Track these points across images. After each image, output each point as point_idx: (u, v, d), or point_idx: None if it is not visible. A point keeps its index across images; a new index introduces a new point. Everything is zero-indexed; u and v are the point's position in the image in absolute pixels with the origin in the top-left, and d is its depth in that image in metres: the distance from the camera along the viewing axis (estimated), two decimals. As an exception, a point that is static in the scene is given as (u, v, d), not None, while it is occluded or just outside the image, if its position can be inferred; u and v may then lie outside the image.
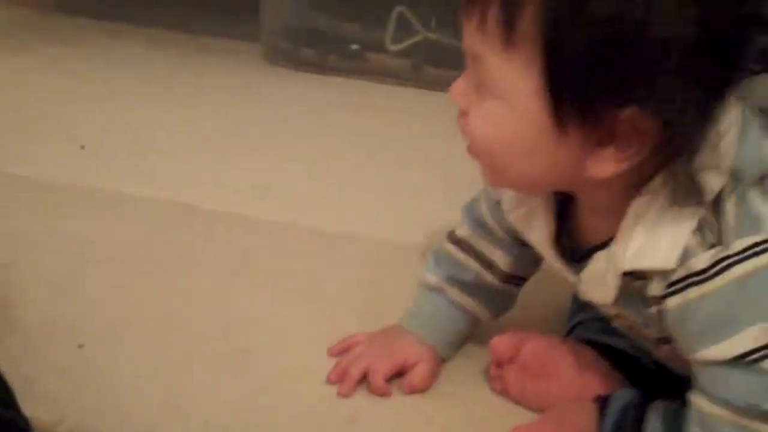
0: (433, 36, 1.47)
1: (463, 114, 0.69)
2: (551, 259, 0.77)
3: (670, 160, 0.64)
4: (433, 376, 0.86)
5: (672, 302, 0.67)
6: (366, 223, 1.12)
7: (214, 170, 1.23)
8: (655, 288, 0.68)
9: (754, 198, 0.66)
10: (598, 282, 0.71)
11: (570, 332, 0.87)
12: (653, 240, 0.67)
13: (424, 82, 1.48)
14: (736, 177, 0.66)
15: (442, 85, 1.46)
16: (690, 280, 0.66)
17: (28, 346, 0.88)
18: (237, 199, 1.16)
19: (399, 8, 1.48)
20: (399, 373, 0.86)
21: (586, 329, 0.85)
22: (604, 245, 0.71)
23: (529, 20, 0.62)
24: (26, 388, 0.77)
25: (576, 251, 0.74)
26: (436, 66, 1.48)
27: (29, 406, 0.76)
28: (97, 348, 0.88)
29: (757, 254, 0.65)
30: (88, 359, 0.86)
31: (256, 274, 1.01)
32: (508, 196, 0.79)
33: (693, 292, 0.66)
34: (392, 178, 1.22)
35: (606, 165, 0.65)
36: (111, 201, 1.15)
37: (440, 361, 0.87)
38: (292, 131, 1.35)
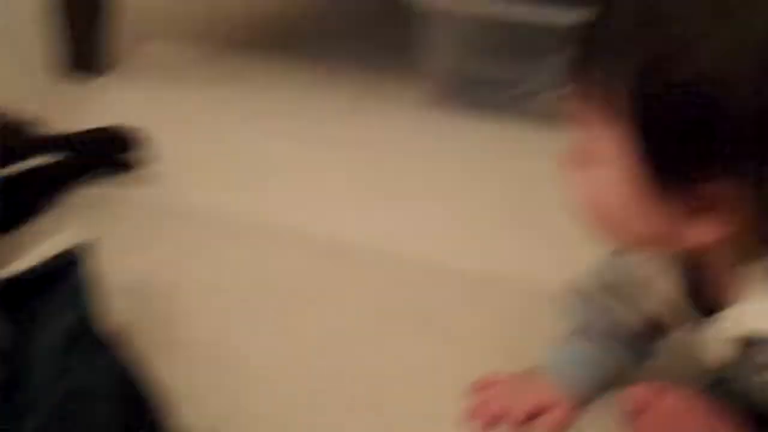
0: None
1: (570, 179, 0.75)
2: (675, 318, 0.78)
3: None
4: (569, 420, 0.88)
5: None
6: (509, 264, 1.15)
7: (369, 210, 1.28)
8: None
9: None
10: (715, 343, 0.73)
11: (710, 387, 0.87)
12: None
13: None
14: None
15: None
16: None
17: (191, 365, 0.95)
18: (392, 239, 1.21)
19: (560, 55, 1.50)
20: (535, 416, 0.88)
21: (725, 388, 0.85)
22: (725, 306, 0.72)
23: (623, 99, 0.67)
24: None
25: (698, 311, 0.76)
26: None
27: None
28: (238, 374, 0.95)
29: None
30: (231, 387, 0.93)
31: (398, 314, 1.06)
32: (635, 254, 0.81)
33: None
34: (541, 219, 1.25)
35: (705, 231, 0.68)
36: (268, 234, 1.21)
37: (578, 407, 0.89)
38: (450, 174, 1.39)
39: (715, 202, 0.66)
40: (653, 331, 0.88)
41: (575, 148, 0.74)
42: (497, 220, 1.26)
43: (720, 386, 0.85)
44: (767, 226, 0.67)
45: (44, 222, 1.21)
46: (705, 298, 0.76)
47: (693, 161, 0.66)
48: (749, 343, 0.70)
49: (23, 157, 1.25)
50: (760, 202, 0.65)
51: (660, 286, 0.80)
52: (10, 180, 1.20)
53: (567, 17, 1.39)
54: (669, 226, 0.69)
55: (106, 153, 1.33)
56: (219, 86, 1.64)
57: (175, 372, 0.91)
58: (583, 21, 0.72)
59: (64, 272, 0.91)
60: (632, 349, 0.90)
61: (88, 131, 1.34)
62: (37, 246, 1.00)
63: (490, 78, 1.58)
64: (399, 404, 0.92)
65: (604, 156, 0.70)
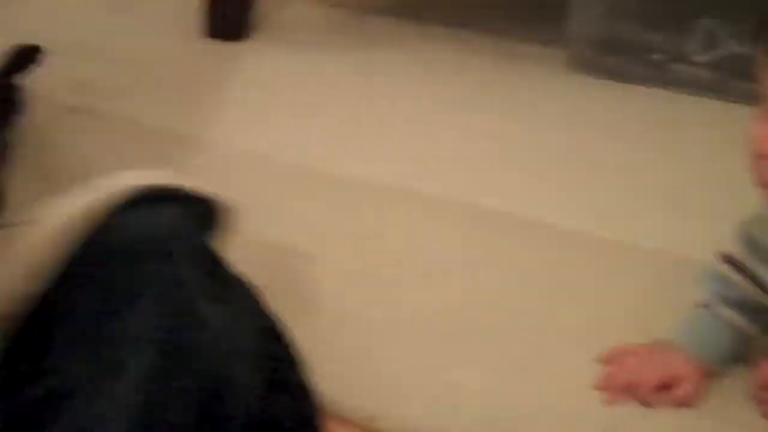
0: (740, 49, 1.43)
1: (764, 157, 0.73)
2: None
3: None
4: (700, 393, 0.87)
5: None
6: (646, 234, 1.13)
7: (509, 175, 1.28)
8: None
9: None
10: None
11: None
12: None
13: (729, 95, 1.45)
14: None
15: (747, 99, 1.43)
16: None
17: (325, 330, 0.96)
18: (524, 204, 1.20)
19: (706, 19, 1.46)
20: (666, 387, 0.87)
21: None
22: None
23: None
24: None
25: None
26: (743, 79, 1.45)
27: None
28: (379, 339, 0.96)
29: None
30: (370, 346, 0.94)
31: (535, 279, 1.06)
32: None
33: None
34: (681, 190, 1.23)
35: None
36: (401, 199, 1.22)
37: (708, 379, 0.88)
38: (587, 141, 1.37)
39: None
40: None
41: None
42: (640, 191, 1.24)
43: None
44: None
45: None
46: None
47: None
48: None
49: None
50: None
51: None
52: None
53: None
54: None
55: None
56: (360, 50, 1.66)
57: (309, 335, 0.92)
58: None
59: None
60: (765, 319, 0.87)
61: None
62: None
63: (638, 43, 1.54)
64: (534, 367, 0.92)
65: None
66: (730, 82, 1.47)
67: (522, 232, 1.15)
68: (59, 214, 0.70)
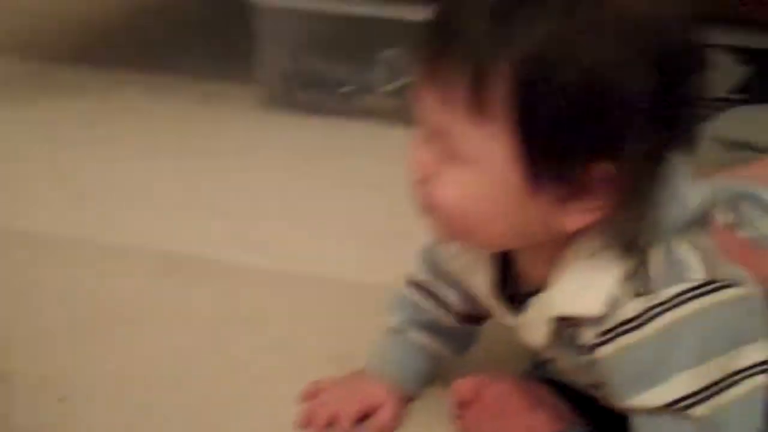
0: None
1: (424, 181, 0.71)
2: (493, 305, 0.80)
3: (620, 211, 0.67)
4: (399, 416, 0.89)
5: (603, 351, 0.70)
6: (335, 265, 1.16)
7: (205, 221, 1.27)
8: (587, 336, 0.71)
9: (680, 246, 0.69)
10: (533, 326, 0.75)
11: (534, 369, 0.90)
12: (581, 287, 0.70)
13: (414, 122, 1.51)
14: (662, 226, 0.69)
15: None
16: (620, 329, 0.69)
17: (10, 400, 0.92)
18: (224, 248, 1.20)
19: (389, 51, 1.51)
20: (366, 416, 0.89)
21: (547, 369, 0.87)
22: (540, 290, 0.74)
23: (498, 91, 0.64)
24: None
25: (516, 297, 0.77)
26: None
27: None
28: (79, 401, 0.92)
29: (683, 302, 0.68)
30: (70, 412, 0.90)
31: (236, 323, 1.05)
32: (452, 245, 0.82)
33: (623, 341, 0.69)
34: (367, 218, 1.26)
35: (577, 218, 0.67)
36: (106, 253, 1.19)
37: (405, 402, 0.90)
38: (283, 175, 1.39)
39: (587, 187, 0.66)
40: (475, 321, 0.90)
41: (427, 152, 0.69)
42: (326, 221, 1.26)
43: (544, 368, 0.87)
44: (633, 210, 0.67)
45: None
46: (520, 284, 0.77)
47: (573, 146, 0.64)
48: (566, 325, 0.72)
49: None
50: (635, 184, 0.66)
51: (476, 277, 0.81)
52: None
53: (402, 11, 1.42)
54: (538, 218, 0.68)
55: None
56: (44, 101, 1.61)
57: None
58: (427, 15, 0.68)
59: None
60: (456, 339, 0.91)
61: None
62: None
63: (325, 76, 1.58)
64: (235, 411, 0.91)
65: (469, 156, 0.67)
66: (412, 109, 1.52)
67: (225, 278, 1.14)
68: None
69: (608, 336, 0.69)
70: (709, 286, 0.68)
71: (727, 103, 1.38)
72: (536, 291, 0.74)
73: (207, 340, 1.02)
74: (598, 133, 0.64)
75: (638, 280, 0.68)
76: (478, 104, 0.65)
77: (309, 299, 1.09)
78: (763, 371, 0.68)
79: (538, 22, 0.63)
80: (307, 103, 1.58)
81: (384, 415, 0.88)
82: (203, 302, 1.09)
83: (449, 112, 0.66)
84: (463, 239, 0.75)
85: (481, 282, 0.80)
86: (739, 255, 0.73)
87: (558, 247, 0.71)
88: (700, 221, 0.71)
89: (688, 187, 0.71)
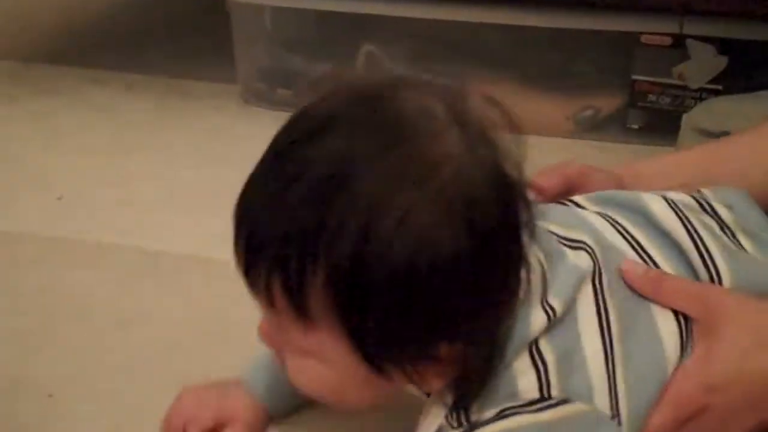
0: (397, 69, 1.50)
1: (278, 352, 0.70)
2: None
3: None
4: None
5: None
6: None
7: (187, 217, 1.26)
8: None
9: (518, 366, 0.66)
10: None
11: None
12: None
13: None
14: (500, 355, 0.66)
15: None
16: None
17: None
18: (204, 244, 1.19)
19: (367, 47, 1.51)
20: (221, 426, 0.85)
21: None
22: None
23: (316, 297, 0.62)
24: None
25: None
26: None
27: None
28: (65, 397, 0.92)
29: (502, 418, 0.65)
30: (57, 409, 0.90)
31: (220, 320, 1.04)
32: None
33: None
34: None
35: (433, 382, 0.66)
36: (85, 250, 1.18)
37: (266, 422, 0.87)
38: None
39: (431, 362, 0.64)
40: None
41: (274, 329, 0.68)
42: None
43: None
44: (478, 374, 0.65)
45: None
46: None
47: (404, 337, 0.63)
48: None
49: None
50: (474, 358, 0.64)
51: None
52: None
53: (380, 7, 1.42)
54: (397, 388, 0.68)
55: None
56: (25, 100, 1.61)
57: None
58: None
59: None
60: None
61: None
62: None
63: (303, 73, 1.58)
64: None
65: (311, 352, 0.66)
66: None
67: (206, 275, 1.14)
68: None
69: None
70: (539, 403, 0.65)
71: (705, 93, 1.39)
72: None
73: (198, 337, 1.02)
74: (425, 321, 0.62)
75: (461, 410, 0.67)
76: (301, 312, 0.63)
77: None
78: None
79: (345, 223, 0.60)
80: (286, 99, 1.58)
81: (234, 430, 0.85)
82: (187, 299, 1.09)
83: (278, 316, 0.65)
84: (331, 405, 0.74)
85: None
86: None
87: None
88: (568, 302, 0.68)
89: (531, 308, 0.66)
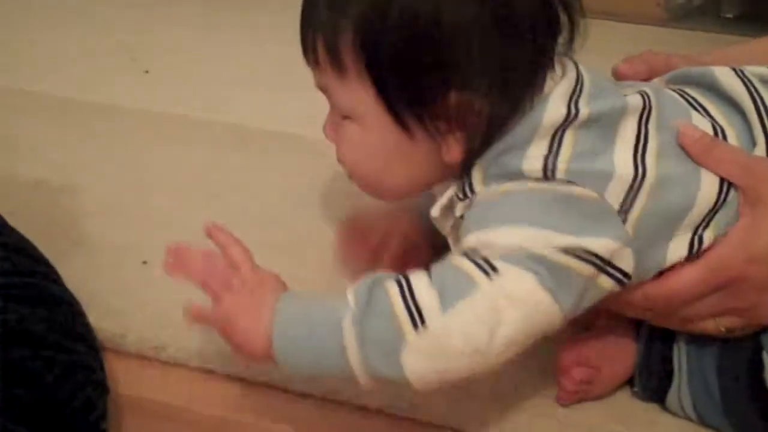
0: None
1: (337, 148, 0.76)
2: None
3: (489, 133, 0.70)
4: (400, 249, 0.89)
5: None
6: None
7: (273, 94, 1.27)
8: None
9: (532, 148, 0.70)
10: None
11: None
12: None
13: None
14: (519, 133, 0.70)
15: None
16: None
17: (94, 264, 0.94)
18: (289, 121, 1.20)
19: None
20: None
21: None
22: None
23: (347, 45, 0.70)
24: (92, 302, 0.85)
25: None
26: None
27: (96, 319, 0.83)
28: (159, 265, 0.94)
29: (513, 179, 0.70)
30: (151, 275, 0.92)
31: (312, 196, 1.06)
32: None
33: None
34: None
35: (456, 150, 0.71)
36: (173, 125, 1.20)
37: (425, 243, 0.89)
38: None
39: (451, 119, 0.70)
40: None
41: (331, 121, 0.76)
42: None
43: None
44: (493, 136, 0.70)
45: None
46: None
47: (420, 81, 0.69)
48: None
49: None
50: (491, 111, 0.69)
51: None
52: None
53: None
54: (424, 159, 0.73)
55: None
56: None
57: (78, 273, 0.89)
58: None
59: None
60: None
61: None
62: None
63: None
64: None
65: (349, 112, 0.73)
66: None
67: (292, 150, 1.14)
68: None
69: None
70: (543, 180, 0.69)
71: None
72: None
73: (275, 209, 1.03)
74: (439, 64, 0.68)
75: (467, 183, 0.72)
76: (336, 61, 0.71)
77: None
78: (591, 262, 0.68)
79: None
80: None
81: (390, 245, 0.89)
82: (275, 173, 1.10)
83: (323, 74, 0.73)
84: (373, 193, 0.78)
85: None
86: None
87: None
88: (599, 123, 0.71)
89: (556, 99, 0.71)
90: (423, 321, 0.66)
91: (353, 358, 0.67)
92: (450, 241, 0.77)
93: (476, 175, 0.72)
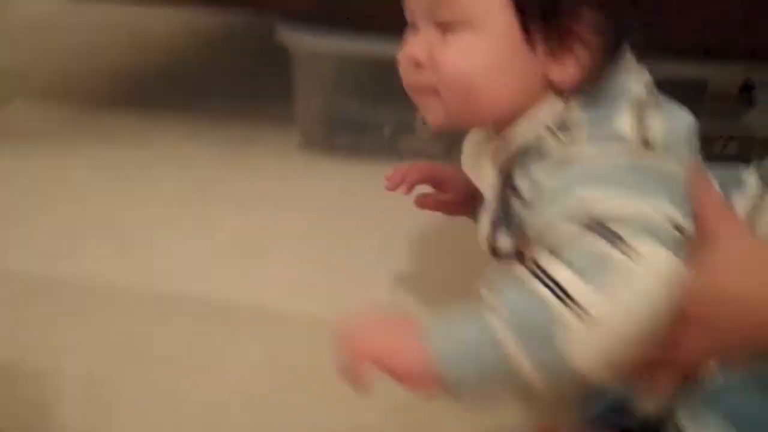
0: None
1: (425, 66, 0.76)
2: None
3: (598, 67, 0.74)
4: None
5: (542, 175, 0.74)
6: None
7: (250, 266, 1.26)
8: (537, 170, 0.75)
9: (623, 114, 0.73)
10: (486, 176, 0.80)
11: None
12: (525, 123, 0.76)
13: (455, 162, 1.51)
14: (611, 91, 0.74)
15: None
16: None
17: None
18: (271, 295, 1.19)
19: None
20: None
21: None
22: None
23: None
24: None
25: None
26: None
27: None
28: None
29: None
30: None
31: (287, 371, 1.04)
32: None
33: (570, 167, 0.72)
34: (422, 260, 1.25)
35: (570, 70, 0.73)
36: (148, 300, 1.19)
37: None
38: (325, 219, 1.38)
39: (576, 36, 0.72)
40: None
41: (420, 39, 0.76)
42: (376, 266, 1.25)
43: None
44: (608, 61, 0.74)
45: None
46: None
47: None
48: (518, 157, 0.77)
49: None
50: (613, 35, 0.73)
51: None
52: None
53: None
54: (535, 73, 0.74)
55: None
56: (90, 146, 1.62)
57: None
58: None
59: None
60: None
61: None
62: None
63: (363, 118, 1.58)
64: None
65: (468, 17, 0.73)
66: (453, 148, 1.52)
67: (260, 324, 1.13)
68: None
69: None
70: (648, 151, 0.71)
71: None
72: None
73: (258, 387, 1.02)
74: None
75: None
76: None
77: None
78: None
79: None
80: (345, 145, 1.58)
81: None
82: (255, 351, 1.08)
83: None
84: (463, 111, 0.77)
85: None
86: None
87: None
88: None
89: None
90: (578, 305, 0.64)
91: (513, 350, 0.65)
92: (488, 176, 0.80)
93: (574, 118, 0.73)
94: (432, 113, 0.79)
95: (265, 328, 1.13)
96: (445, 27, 0.74)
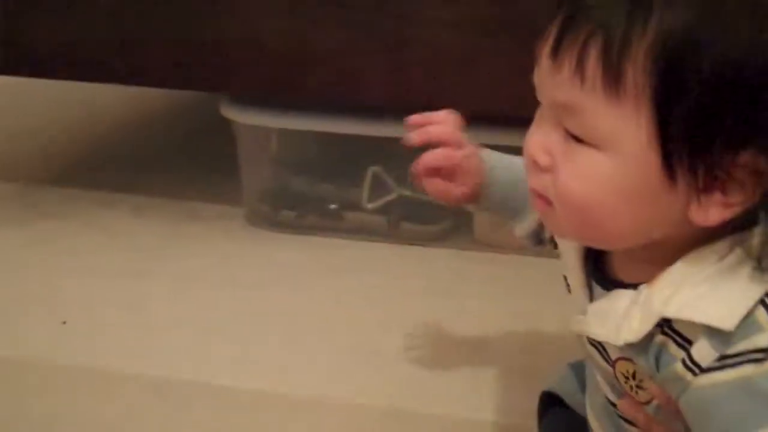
0: (407, 193, 1.51)
1: (545, 170, 0.66)
2: (574, 276, 0.75)
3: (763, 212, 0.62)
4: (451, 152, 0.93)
5: (718, 377, 0.61)
6: (338, 387, 1.13)
7: (195, 343, 1.25)
8: (701, 354, 0.62)
9: None
10: (611, 319, 0.68)
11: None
12: (710, 295, 0.63)
13: (398, 238, 1.52)
14: None
15: (417, 240, 1.50)
16: (750, 357, 0.60)
17: None
18: (214, 370, 1.18)
19: (373, 168, 1.52)
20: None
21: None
22: (631, 285, 0.68)
23: (636, 67, 0.59)
24: None
25: (603, 281, 0.72)
26: (411, 222, 1.53)
27: None
28: None
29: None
30: None
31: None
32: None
33: (748, 370, 0.60)
34: (366, 338, 1.24)
35: (713, 211, 0.62)
36: (91, 378, 1.17)
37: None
38: (269, 295, 1.37)
39: (729, 177, 0.60)
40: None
41: (547, 138, 0.65)
42: (321, 342, 1.24)
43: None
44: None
45: None
46: (609, 269, 0.72)
47: (719, 132, 0.59)
48: (668, 332, 0.65)
49: None
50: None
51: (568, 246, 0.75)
52: None
53: (386, 129, 1.43)
54: (670, 209, 0.62)
55: None
56: (33, 223, 1.60)
57: None
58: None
59: None
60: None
61: None
62: None
63: (309, 194, 1.59)
64: None
65: (601, 138, 0.62)
66: (398, 224, 1.53)
67: (214, 400, 1.12)
68: None
69: (732, 362, 0.61)
70: None
71: None
72: (625, 284, 0.69)
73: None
74: (749, 119, 0.59)
75: None
76: (613, 78, 0.60)
77: (306, 421, 1.07)
78: None
79: None
80: (292, 220, 1.59)
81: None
82: (196, 424, 1.07)
83: (582, 90, 0.61)
84: (583, 234, 0.68)
85: (571, 252, 0.74)
86: None
87: (677, 246, 0.65)
88: None
89: None
90: None
91: None
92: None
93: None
94: (550, 224, 0.71)
95: (210, 402, 1.11)
96: (578, 137, 0.64)
